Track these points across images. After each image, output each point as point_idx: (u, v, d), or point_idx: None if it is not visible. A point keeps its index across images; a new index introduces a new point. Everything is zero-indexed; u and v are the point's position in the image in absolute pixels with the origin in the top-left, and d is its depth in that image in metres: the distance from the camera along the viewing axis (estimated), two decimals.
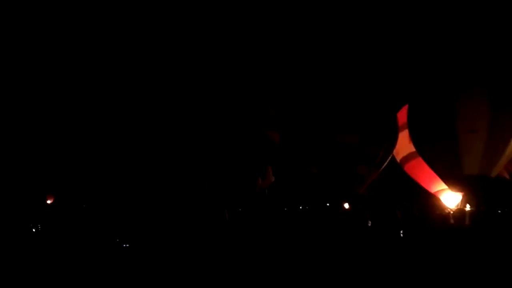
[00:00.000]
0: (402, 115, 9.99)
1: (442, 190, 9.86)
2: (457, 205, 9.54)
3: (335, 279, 4.75)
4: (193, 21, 11.23)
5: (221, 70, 9.94)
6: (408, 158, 10.24)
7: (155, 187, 11.93)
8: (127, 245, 5.76)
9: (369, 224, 5.50)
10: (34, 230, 6.40)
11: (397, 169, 10.75)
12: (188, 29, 11.19)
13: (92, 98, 11.29)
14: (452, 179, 8.77)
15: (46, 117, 10.70)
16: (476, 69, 8.78)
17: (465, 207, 8.74)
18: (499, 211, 6.53)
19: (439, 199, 10.19)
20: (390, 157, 10.20)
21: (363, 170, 9.94)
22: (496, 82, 8.44)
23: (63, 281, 4.95)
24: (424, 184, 10.34)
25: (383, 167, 10.20)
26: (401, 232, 5.26)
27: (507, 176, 10.07)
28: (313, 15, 11.64)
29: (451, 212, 7.96)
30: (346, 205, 9.89)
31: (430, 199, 10.35)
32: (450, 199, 9.86)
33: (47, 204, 10.57)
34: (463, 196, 9.26)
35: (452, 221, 7.00)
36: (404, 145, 10.11)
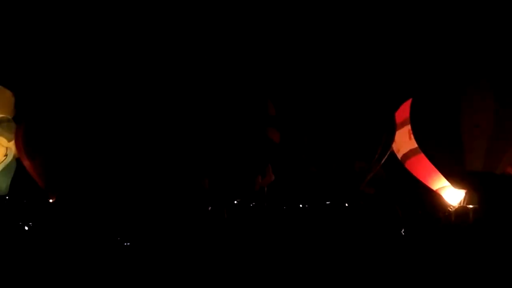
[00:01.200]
0: (403, 112, 9.88)
1: (445, 187, 9.74)
2: (460, 203, 9.42)
3: (336, 277, 4.68)
4: (193, 20, 11.21)
5: (221, 68, 9.90)
6: (409, 155, 10.11)
7: (155, 185, 11.92)
8: (128, 244, 5.73)
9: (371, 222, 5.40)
10: (26, 228, 6.34)
11: (398, 166, 10.64)
12: (188, 28, 11.17)
13: (92, 95, 11.29)
14: (455, 176, 8.63)
15: (49, 116, 10.70)
16: (481, 64, 8.67)
17: (468, 204, 8.61)
18: (504, 209, 6.41)
19: (441, 197, 10.07)
20: (388, 153, 10.09)
21: (362, 167, 9.83)
22: (501, 76, 8.32)
23: (64, 280, 4.90)
24: (425, 181, 10.23)
25: (381, 163, 10.09)
26: (403, 230, 5.16)
27: None
28: (313, 11, 11.58)
29: (454, 210, 7.84)
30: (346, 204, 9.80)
31: (432, 197, 10.24)
32: (453, 196, 9.73)
33: (49, 202, 10.53)
34: (466, 194, 9.14)
35: (454, 219, 6.89)
36: (404, 142, 9.99)
